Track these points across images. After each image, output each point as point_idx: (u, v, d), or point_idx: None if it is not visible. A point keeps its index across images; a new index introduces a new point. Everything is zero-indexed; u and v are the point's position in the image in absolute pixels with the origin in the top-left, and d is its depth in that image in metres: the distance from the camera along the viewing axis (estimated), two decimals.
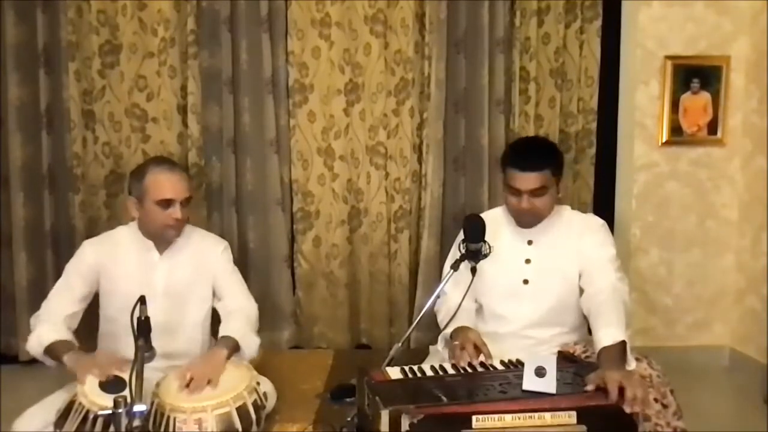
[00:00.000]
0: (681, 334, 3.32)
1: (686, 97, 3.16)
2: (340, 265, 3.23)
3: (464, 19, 3.12)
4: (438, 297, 2.00)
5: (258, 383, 1.98)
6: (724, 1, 3.13)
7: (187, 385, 1.86)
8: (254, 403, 1.88)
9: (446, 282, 1.97)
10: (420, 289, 3.17)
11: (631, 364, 1.78)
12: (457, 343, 1.92)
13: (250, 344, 2.10)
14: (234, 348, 2.04)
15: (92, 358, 1.95)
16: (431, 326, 2.23)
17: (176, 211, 2.08)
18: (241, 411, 1.83)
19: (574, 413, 1.51)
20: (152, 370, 1.83)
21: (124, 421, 1.40)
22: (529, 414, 1.50)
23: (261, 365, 2.31)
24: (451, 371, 1.81)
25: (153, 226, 2.11)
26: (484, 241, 1.96)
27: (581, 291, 2.05)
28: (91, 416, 1.72)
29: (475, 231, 1.96)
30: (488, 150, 3.12)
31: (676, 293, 3.30)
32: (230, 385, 1.88)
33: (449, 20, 3.09)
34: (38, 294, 2.99)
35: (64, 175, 3.08)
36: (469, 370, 1.82)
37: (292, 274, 3.24)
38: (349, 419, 1.80)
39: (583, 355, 1.98)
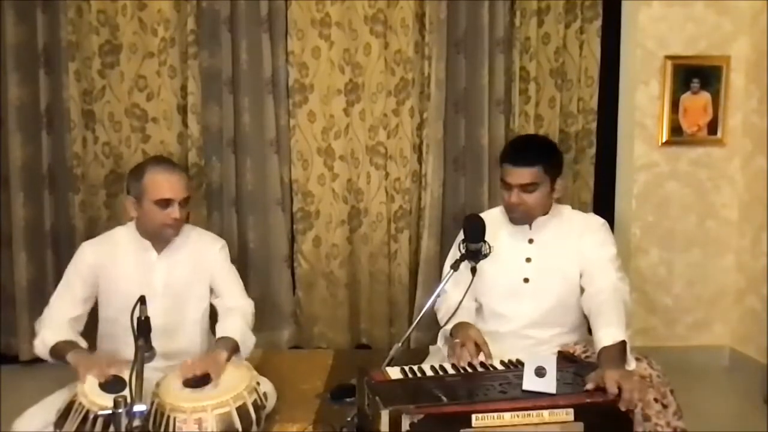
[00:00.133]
0: (681, 334, 3.32)
1: (686, 97, 3.16)
2: (340, 265, 3.23)
3: (464, 19, 3.12)
4: (438, 296, 2.00)
5: (258, 383, 1.98)
6: (724, 1, 3.13)
7: (188, 383, 1.86)
8: (254, 403, 1.88)
9: (446, 282, 1.97)
10: (420, 289, 3.17)
11: (631, 364, 1.78)
12: (457, 340, 1.92)
13: (248, 343, 2.12)
14: (234, 349, 2.04)
15: (93, 358, 1.95)
16: (431, 326, 2.23)
17: (174, 211, 2.08)
18: (241, 411, 1.83)
19: (571, 410, 1.52)
20: (152, 370, 1.83)
21: (124, 421, 1.40)
22: (528, 412, 1.51)
23: (261, 365, 2.32)
24: (451, 371, 1.81)
25: (151, 225, 2.11)
26: (484, 241, 1.96)
27: (582, 290, 2.05)
28: (91, 416, 1.72)
29: (475, 231, 1.96)
30: (488, 150, 3.12)
31: (676, 293, 3.30)
32: (230, 385, 1.88)
33: (449, 20, 3.09)
34: (38, 294, 3.00)
35: (64, 175, 3.08)
36: (469, 370, 1.82)
37: (292, 274, 3.24)
38: (349, 419, 1.80)
39: (583, 355, 1.98)
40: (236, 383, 1.90)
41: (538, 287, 2.08)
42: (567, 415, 1.52)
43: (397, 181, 3.20)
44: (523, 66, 3.16)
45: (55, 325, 2.06)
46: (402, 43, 3.11)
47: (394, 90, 3.15)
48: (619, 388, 1.56)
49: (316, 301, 3.26)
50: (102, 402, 1.71)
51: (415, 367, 1.81)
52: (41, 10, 2.97)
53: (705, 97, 3.17)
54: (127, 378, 1.51)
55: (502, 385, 1.66)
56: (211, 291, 2.26)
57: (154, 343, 1.64)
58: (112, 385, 1.79)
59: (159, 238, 2.15)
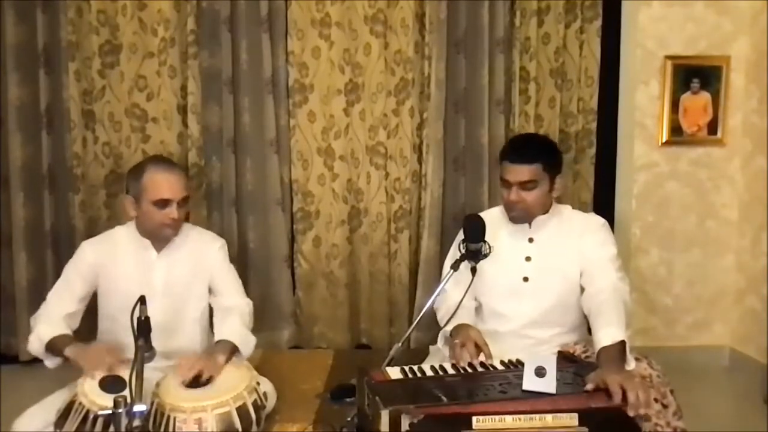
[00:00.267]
0: (681, 334, 3.32)
1: (686, 97, 3.16)
2: (340, 265, 3.23)
3: (464, 19, 3.12)
4: (438, 296, 2.00)
5: (258, 383, 1.98)
6: (724, 1, 3.13)
7: (188, 383, 1.86)
8: (254, 403, 1.88)
9: (446, 282, 1.97)
10: (420, 289, 3.17)
11: (631, 364, 1.78)
12: (457, 341, 1.92)
13: (247, 344, 2.12)
14: (232, 352, 2.04)
15: (94, 351, 1.95)
16: (431, 326, 2.23)
17: (173, 211, 2.08)
18: (241, 411, 1.83)
19: (575, 415, 1.50)
20: (152, 370, 1.83)
21: (124, 421, 1.40)
22: (530, 415, 1.50)
23: (261, 365, 2.32)
24: (451, 371, 1.81)
25: (150, 225, 2.11)
26: (484, 241, 1.96)
27: (582, 290, 2.05)
28: (91, 416, 1.72)
29: (475, 231, 1.96)
30: (488, 150, 3.12)
31: (676, 293, 3.30)
32: (230, 385, 1.89)
33: (449, 20, 3.09)
34: (38, 294, 2.99)
35: (64, 175, 3.08)
36: (469, 370, 1.82)
37: (292, 274, 3.24)
38: (349, 419, 1.80)
39: (583, 355, 1.98)
40: (236, 383, 1.90)
41: (537, 286, 2.08)
42: (571, 419, 1.50)
43: (397, 181, 3.20)
44: (523, 66, 3.16)
45: (51, 320, 2.06)
46: (402, 43, 3.11)
47: (394, 90, 3.15)
48: (623, 392, 1.55)
49: (316, 301, 3.26)
50: (102, 402, 1.71)
51: (415, 367, 1.81)
52: (41, 10, 2.97)
53: (705, 97, 3.17)
54: (127, 378, 1.51)
55: (502, 385, 1.66)
56: (210, 290, 2.26)
57: (154, 342, 1.64)
58: (112, 385, 1.79)
59: (158, 237, 2.15)
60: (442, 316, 2.10)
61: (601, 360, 1.74)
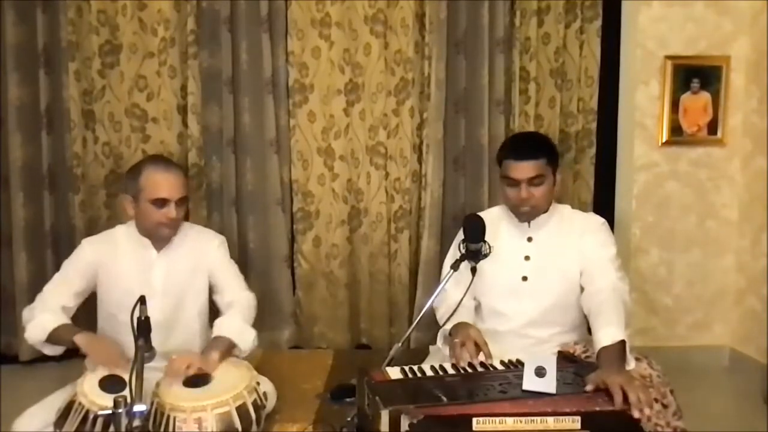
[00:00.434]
0: (681, 334, 3.32)
1: (686, 97, 3.16)
2: (340, 265, 3.23)
3: (464, 19, 3.12)
4: (438, 296, 2.00)
5: (258, 383, 1.98)
6: (724, 1, 3.13)
7: (188, 383, 1.86)
8: (254, 403, 1.88)
9: (446, 282, 1.97)
10: (420, 289, 3.17)
11: (631, 364, 1.78)
12: (457, 340, 1.91)
13: (246, 339, 2.11)
14: (227, 348, 2.04)
15: (107, 347, 1.95)
16: (431, 326, 2.23)
17: (171, 211, 2.08)
18: (241, 410, 1.83)
19: (578, 418, 1.50)
20: (152, 370, 1.83)
21: (124, 421, 1.40)
22: (532, 418, 1.49)
23: (261, 365, 2.32)
24: (451, 371, 1.81)
25: (148, 224, 2.11)
26: (484, 241, 1.96)
27: (581, 289, 2.05)
28: (91, 416, 1.73)
29: (475, 231, 1.96)
30: (488, 150, 3.12)
31: (676, 293, 3.30)
32: (230, 385, 1.89)
33: (449, 20, 3.09)
34: (38, 294, 2.99)
35: (64, 175, 3.08)
36: (469, 370, 1.82)
37: (292, 274, 3.24)
38: (349, 419, 1.80)
39: (583, 355, 1.98)
40: (236, 383, 1.90)
41: (536, 286, 2.09)
42: (573, 423, 1.49)
43: (397, 181, 3.20)
44: (523, 66, 3.16)
45: (50, 310, 2.06)
46: (402, 43, 3.11)
47: (394, 90, 3.14)
48: (624, 393, 1.55)
49: (316, 301, 3.26)
50: (102, 402, 1.72)
51: (415, 367, 1.81)
52: (41, 10, 2.97)
53: (705, 97, 3.17)
54: (127, 378, 1.51)
55: (502, 385, 1.66)
56: (211, 288, 2.26)
57: (153, 341, 1.65)
58: (112, 385, 1.79)
59: (156, 237, 2.15)
60: (441, 315, 2.10)
61: (601, 360, 1.75)
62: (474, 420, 1.48)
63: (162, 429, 1.77)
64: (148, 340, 1.62)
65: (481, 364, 1.85)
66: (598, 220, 2.16)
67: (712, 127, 3.19)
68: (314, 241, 3.23)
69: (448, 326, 2.01)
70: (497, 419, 1.48)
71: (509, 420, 1.49)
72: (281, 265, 3.20)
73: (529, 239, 2.13)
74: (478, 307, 2.18)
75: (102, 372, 1.85)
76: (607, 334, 1.79)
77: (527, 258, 2.11)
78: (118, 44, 3.06)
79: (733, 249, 3.28)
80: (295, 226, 3.24)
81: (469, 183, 3.22)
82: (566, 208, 2.20)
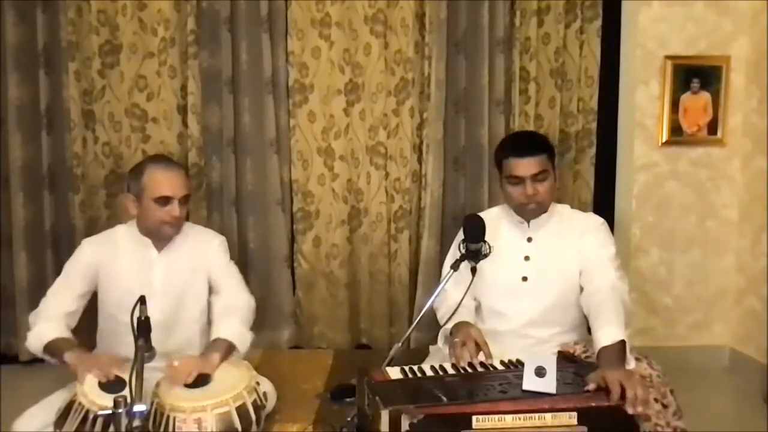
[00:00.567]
0: (681, 334, 3.32)
1: (686, 97, 3.16)
2: (340, 265, 3.23)
3: (464, 19, 3.12)
4: (438, 296, 2.00)
5: (258, 383, 1.98)
6: (724, 1, 3.13)
7: (188, 385, 1.86)
8: (254, 403, 1.88)
9: (446, 282, 1.97)
10: (420, 289, 3.17)
11: (631, 364, 1.78)
12: (457, 339, 1.91)
13: (244, 341, 2.11)
14: (227, 350, 2.03)
15: (93, 358, 1.95)
16: (431, 326, 2.23)
17: (174, 209, 2.08)
18: (241, 411, 1.83)
19: (574, 414, 1.51)
20: (152, 370, 1.83)
21: (124, 421, 1.40)
22: (530, 414, 1.50)
23: (261, 365, 2.32)
24: (451, 371, 1.81)
25: (151, 223, 2.11)
26: (484, 241, 1.96)
27: (581, 289, 2.06)
28: (91, 416, 1.72)
29: (475, 231, 1.96)
30: (488, 150, 3.12)
31: (676, 293, 3.30)
32: (230, 385, 1.88)
33: (449, 20, 3.09)
34: (38, 294, 2.94)
35: (64, 175, 3.08)
36: (469, 370, 1.82)
37: (292, 274, 3.24)
38: (349, 419, 1.80)
39: (583, 355, 1.98)
40: (236, 383, 1.90)
41: (536, 286, 2.09)
42: (570, 418, 1.50)
43: (397, 181, 3.20)
44: (523, 66, 3.16)
45: (51, 319, 2.06)
46: (402, 43, 3.11)
47: (394, 90, 3.15)
48: (622, 389, 1.55)
49: (316, 301, 3.26)
50: (102, 402, 1.72)
51: (415, 367, 1.81)
52: (41, 10, 2.97)
53: (705, 97, 3.17)
54: (127, 378, 1.51)
55: (502, 385, 1.66)
56: (210, 289, 2.25)
57: (153, 341, 1.65)
58: (112, 385, 1.79)
59: (159, 235, 2.15)
60: (442, 315, 2.10)
61: (601, 360, 1.75)
62: (474, 418, 1.48)
63: (162, 429, 1.76)
64: (148, 340, 1.62)
65: (481, 364, 1.85)
66: (598, 220, 2.17)
67: (712, 127, 3.19)
68: (314, 241, 3.23)
69: (449, 326, 2.01)
70: (496, 417, 1.49)
71: (508, 417, 1.49)
72: (281, 265, 3.20)
73: (529, 239, 2.13)
74: (478, 308, 2.18)
75: (95, 377, 1.84)
76: (606, 334, 1.79)
77: (527, 258, 2.11)
78: (118, 44, 3.06)
79: (733, 249, 3.28)
80: (295, 226, 3.24)
81: (469, 183, 3.22)
82: (566, 208, 2.20)
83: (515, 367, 1.81)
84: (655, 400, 1.74)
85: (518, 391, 1.61)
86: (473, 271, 1.97)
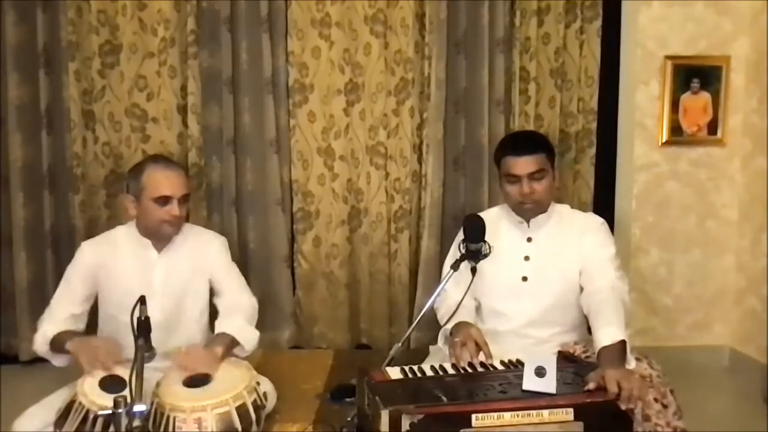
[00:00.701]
0: (681, 334, 3.32)
1: (686, 97, 3.16)
2: (340, 265, 3.23)
3: (464, 19, 3.12)
4: (438, 296, 2.00)
5: (258, 383, 1.98)
6: (724, 1, 3.13)
7: (188, 382, 1.86)
8: (254, 403, 1.88)
9: (446, 282, 1.97)
10: (420, 289, 3.17)
11: (631, 364, 1.78)
12: (457, 339, 1.92)
13: (249, 338, 2.12)
14: (229, 345, 2.04)
15: (96, 346, 1.93)
16: (431, 326, 2.23)
17: (174, 208, 2.08)
18: (241, 410, 1.83)
19: (571, 410, 1.52)
20: (152, 370, 1.83)
21: (124, 421, 1.40)
22: (527, 412, 1.51)
23: (261, 365, 2.31)
24: (451, 371, 1.81)
25: (151, 223, 2.11)
26: (484, 241, 1.96)
27: (581, 289, 2.06)
28: (91, 416, 1.73)
29: (475, 231, 1.96)
30: (488, 150, 3.11)
31: (676, 293, 3.30)
32: (230, 385, 1.88)
33: (449, 20, 3.09)
34: (38, 294, 3.01)
35: (64, 175, 3.08)
36: (469, 370, 1.82)
37: (292, 274, 3.24)
38: (349, 419, 1.80)
39: (583, 355, 1.98)
40: (236, 383, 1.90)
41: (536, 286, 2.09)
42: (566, 414, 1.52)
43: (397, 181, 3.20)
44: (523, 66, 3.16)
45: (56, 321, 2.08)
46: (402, 43, 3.11)
47: (394, 90, 3.15)
48: (619, 387, 1.56)
49: (316, 301, 3.26)
50: (102, 402, 1.72)
51: (415, 367, 1.81)
52: (41, 10, 2.97)
53: (705, 97, 3.17)
54: (127, 378, 1.51)
55: (502, 385, 1.66)
56: (212, 291, 2.25)
57: (154, 341, 1.65)
58: (112, 385, 1.79)
59: (159, 235, 2.15)
60: (442, 316, 2.10)
61: (601, 360, 1.75)
62: (473, 416, 1.48)
63: (162, 429, 1.76)
64: (148, 340, 1.62)
65: (481, 364, 1.85)
66: (598, 220, 2.17)
67: (712, 127, 3.19)
68: (314, 241, 3.23)
69: (449, 326, 2.01)
70: (495, 414, 1.50)
71: (507, 415, 1.50)
72: (281, 265, 3.20)
73: (529, 239, 2.13)
74: (478, 308, 2.18)
75: (100, 373, 1.85)
76: (606, 334, 1.79)
77: (527, 258, 2.11)
78: (118, 44, 3.06)
79: (733, 249, 3.28)
80: (295, 226, 3.24)
81: (469, 183, 3.22)
82: (565, 208, 2.20)
83: (515, 367, 1.81)
84: (655, 400, 1.74)
85: (518, 391, 1.61)
86: (473, 271, 1.97)
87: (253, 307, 2.23)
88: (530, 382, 1.60)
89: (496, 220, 2.16)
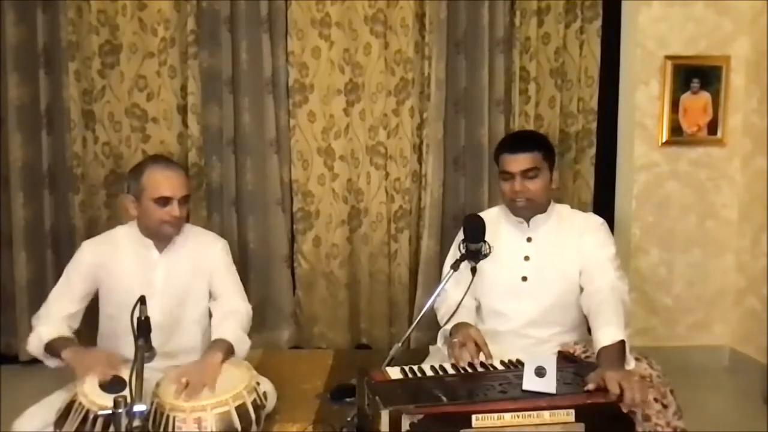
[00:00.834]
0: (681, 334, 3.32)
1: (686, 97, 3.16)
2: (340, 265, 3.23)
3: (464, 19, 3.12)
4: (438, 296, 2.00)
5: (258, 383, 1.98)
6: (724, 1, 3.13)
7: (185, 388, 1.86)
8: (254, 403, 1.88)
9: (446, 282, 1.97)
10: (420, 289, 3.17)
11: (631, 364, 1.78)
12: (457, 340, 1.91)
13: (244, 347, 2.13)
14: (228, 351, 2.04)
15: (92, 356, 1.95)
16: (431, 326, 2.23)
17: (174, 209, 2.08)
18: (241, 410, 1.83)
19: (572, 411, 1.52)
20: (152, 370, 1.83)
21: (124, 421, 1.40)
22: (528, 412, 1.51)
23: (261, 365, 2.32)
24: (451, 371, 1.81)
25: (151, 223, 2.11)
26: (484, 241, 1.96)
27: (581, 289, 2.05)
28: (91, 416, 1.73)
29: (475, 231, 1.96)
30: (488, 150, 3.12)
31: (676, 293, 3.30)
32: (229, 385, 1.89)
33: (449, 20, 3.09)
34: (38, 294, 3.00)
35: (64, 175, 3.08)
36: (469, 370, 1.82)
37: (292, 274, 3.24)
38: (349, 419, 1.80)
39: (583, 355, 1.98)
40: (236, 383, 1.90)
41: (536, 286, 2.09)
42: (568, 415, 1.51)
43: (397, 181, 3.20)
44: (523, 66, 3.16)
45: (52, 321, 2.07)
46: (402, 43, 3.11)
47: (394, 90, 3.15)
48: (621, 389, 1.56)
49: (316, 301, 3.26)
50: (102, 402, 1.72)
51: (415, 367, 1.81)
52: (41, 10, 2.97)
53: (705, 97, 3.17)
54: (127, 378, 1.51)
55: (502, 385, 1.66)
56: (209, 292, 2.25)
57: (154, 342, 1.64)
58: (112, 385, 1.79)
59: (159, 236, 2.15)
60: (442, 316, 2.10)
61: (601, 360, 1.75)
62: (473, 417, 1.48)
63: (162, 429, 1.77)
64: (148, 340, 1.62)
65: (481, 364, 1.85)
66: (597, 220, 2.17)
67: (712, 127, 3.19)
68: (314, 241, 3.23)
69: (449, 326, 2.01)
70: (495, 415, 1.50)
71: (507, 416, 1.50)
72: (281, 265, 3.20)
73: (529, 239, 2.13)
74: (478, 308, 2.18)
75: (95, 378, 1.84)
76: (606, 334, 1.79)
77: (527, 258, 2.11)
78: (118, 44, 3.06)
79: (733, 249, 3.28)
80: (295, 226, 3.24)
81: (469, 183, 3.22)
82: (565, 208, 2.20)
83: (515, 367, 1.81)
84: (655, 400, 1.75)
85: (518, 391, 1.61)
86: (473, 271, 1.97)
87: (248, 314, 2.23)
88: (530, 382, 1.60)
89: (496, 220, 2.16)
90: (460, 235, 2.03)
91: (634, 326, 3.02)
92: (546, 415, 1.51)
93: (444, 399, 1.56)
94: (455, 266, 1.96)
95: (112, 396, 1.47)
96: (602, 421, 1.54)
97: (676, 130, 3.18)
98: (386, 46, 3.12)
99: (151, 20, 3.05)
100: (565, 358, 1.94)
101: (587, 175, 3.30)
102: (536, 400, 1.55)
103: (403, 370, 1.78)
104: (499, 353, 1.92)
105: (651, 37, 3.14)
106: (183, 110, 3.09)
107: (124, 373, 1.73)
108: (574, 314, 2.10)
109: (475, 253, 1.95)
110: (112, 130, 3.11)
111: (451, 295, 2.07)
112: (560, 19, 3.17)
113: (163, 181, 2.08)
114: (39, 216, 3.07)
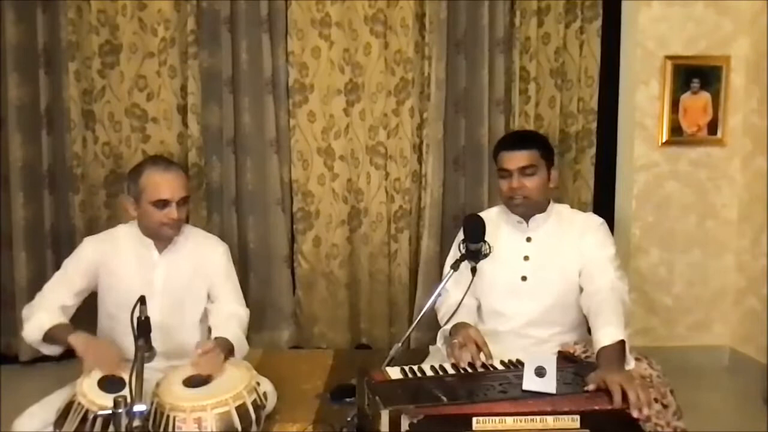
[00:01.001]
0: (681, 334, 3.32)
1: (686, 97, 3.16)
2: (340, 265, 3.23)
3: (464, 19, 3.12)
4: (438, 296, 2.00)
5: (258, 383, 1.98)
6: (724, 1, 3.13)
7: (188, 383, 1.86)
8: (254, 403, 1.88)
9: (446, 282, 1.97)
10: (420, 289, 3.17)
11: (631, 364, 1.78)
12: (456, 341, 1.91)
13: (242, 350, 2.14)
14: (230, 351, 2.04)
15: (103, 350, 1.94)
16: (431, 326, 2.23)
17: (172, 211, 2.08)
18: (241, 410, 1.83)
19: (577, 417, 1.50)
20: (152, 370, 1.83)
21: (124, 421, 1.40)
22: (531, 417, 1.49)
23: (261, 365, 2.32)
24: (451, 371, 1.81)
25: (150, 225, 2.12)
26: (484, 241, 1.96)
27: (581, 289, 2.05)
28: (90, 416, 1.73)
29: (475, 231, 1.96)
30: (488, 150, 3.11)
31: (676, 293, 3.30)
32: (230, 385, 1.89)
33: (449, 20, 3.09)
34: (38, 292, 2.99)
35: (64, 175, 3.08)
36: (469, 370, 1.81)
37: (292, 274, 3.24)
38: (349, 419, 1.80)
39: (583, 355, 1.98)
40: (236, 383, 1.90)
41: (536, 285, 2.09)
42: (573, 421, 1.50)
43: (397, 181, 3.20)
44: (523, 66, 3.16)
45: (48, 309, 2.06)
46: (402, 43, 3.11)
47: (394, 90, 3.15)
48: (624, 393, 1.55)
49: (316, 301, 3.26)
50: (102, 402, 1.72)
51: (415, 367, 1.81)
52: (41, 10, 2.97)
53: (705, 97, 3.17)
54: (126, 378, 1.51)
55: (502, 385, 1.66)
56: (208, 295, 2.25)
57: (154, 342, 1.65)
58: (112, 385, 1.79)
59: (159, 237, 2.15)
60: (442, 316, 2.10)
61: (601, 360, 1.74)
62: (474, 419, 1.48)
63: (162, 429, 1.76)
64: (148, 340, 1.62)
65: (482, 364, 1.85)
66: (597, 220, 2.16)
67: (712, 127, 3.19)
68: (314, 241, 3.23)
69: (448, 327, 2.00)
70: (497, 419, 1.48)
71: (509, 419, 1.49)
72: (281, 265, 3.20)
73: (529, 239, 2.13)
74: (478, 308, 2.18)
75: (98, 373, 1.85)
76: (606, 334, 1.79)
77: (527, 258, 2.11)
78: (118, 44, 3.06)
79: (733, 249, 3.28)
80: (295, 226, 3.24)
81: (469, 183, 3.22)
82: (565, 208, 2.20)
83: (515, 367, 1.81)
84: (655, 400, 1.74)
85: (518, 391, 1.61)
86: (473, 271, 1.97)
87: (246, 317, 2.24)
88: (530, 382, 1.60)
89: (496, 220, 2.16)
90: (460, 235, 2.03)
91: (634, 326, 3.02)
92: (550, 420, 1.49)
93: (444, 399, 1.56)
94: (455, 266, 1.96)
95: (112, 396, 1.47)
96: (608, 427, 1.52)
97: (676, 130, 3.18)
98: (386, 46, 3.12)
99: (151, 20, 3.06)
100: (565, 358, 1.94)
101: (587, 175, 3.30)
102: (540, 404, 1.53)
103: (403, 370, 1.77)
104: (499, 353, 1.92)
105: (651, 37, 3.14)
106: (183, 110, 3.09)
107: (124, 374, 1.73)
108: (574, 314, 2.10)
109: (475, 253, 1.95)
110: (112, 130, 3.11)
111: (452, 295, 2.07)
112: (560, 19, 3.17)
113: (161, 184, 2.08)
114: (39, 216, 3.07)
